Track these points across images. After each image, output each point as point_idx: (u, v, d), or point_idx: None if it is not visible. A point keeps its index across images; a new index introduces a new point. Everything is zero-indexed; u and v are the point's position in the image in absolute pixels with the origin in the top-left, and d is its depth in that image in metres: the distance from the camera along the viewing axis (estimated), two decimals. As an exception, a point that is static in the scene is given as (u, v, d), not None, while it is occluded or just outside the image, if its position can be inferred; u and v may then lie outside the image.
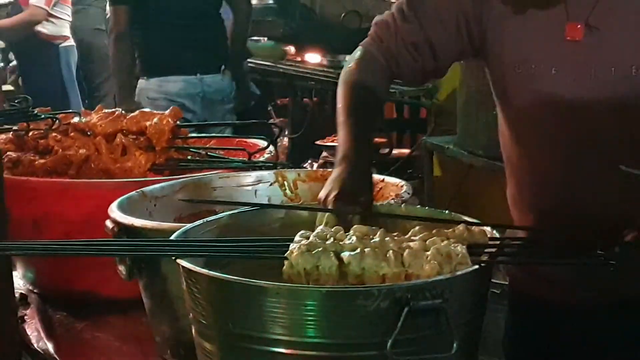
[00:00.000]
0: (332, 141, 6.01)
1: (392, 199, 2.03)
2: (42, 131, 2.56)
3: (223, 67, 5.11)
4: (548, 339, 2.07)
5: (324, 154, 5.83)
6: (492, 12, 1.97)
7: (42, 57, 7.83)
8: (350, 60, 2.10)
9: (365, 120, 1.94)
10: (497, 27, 1.97)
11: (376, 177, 2.21)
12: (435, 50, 2.03)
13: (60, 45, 7.94)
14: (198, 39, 4.99)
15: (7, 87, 7.58)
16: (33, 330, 2.26)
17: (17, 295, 2.29)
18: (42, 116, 2.58)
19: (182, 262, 1.50)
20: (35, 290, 2.47)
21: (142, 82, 5.06)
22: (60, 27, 7.90)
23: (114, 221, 1.93)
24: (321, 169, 2.41)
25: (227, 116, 5.14)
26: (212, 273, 1.46)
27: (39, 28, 7.79)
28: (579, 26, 1.88)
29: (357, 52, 2.10)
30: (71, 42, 7.88)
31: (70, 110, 2.68)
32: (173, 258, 1.52)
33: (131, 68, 5.10)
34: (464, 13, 2.00)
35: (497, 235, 1.61)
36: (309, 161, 5.88)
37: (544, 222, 1.98)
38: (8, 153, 2.48)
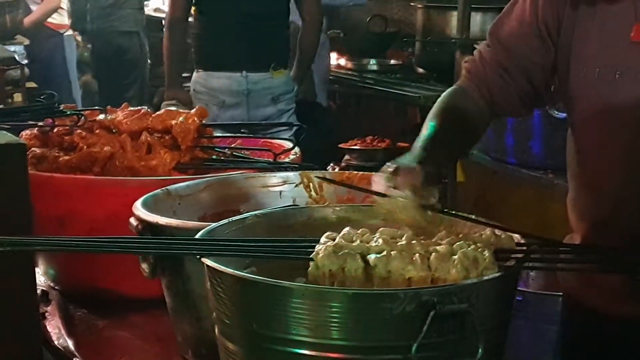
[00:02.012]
0: (355, 145, 6.01)
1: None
2: (67, 127, 2.56)
3: (274, 64, 5.02)
4: (601, 352, 2.04)
5: (347, 157, 5.82)
6: (565, 19, 1.96)
7: (49, 46, 7.90)
8: (442, 95, 2.08)
9: (449, 125, 1.93)
10: (568, 33, 1.95)
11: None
12: (526, 70, 2.02)
13: (65, 34, 8.02)
14: (248, 37, 4.94)
15: (30, 84, 7.62)
16: (54, 327, 2.26)
17: (38, 291, 2.28)
18: (68, 112, 2.58)
19: (207, 261, 1.49)
20: (56, 287, 2.47)
21: (194, 75, 5.12)
22: (64, 16, 7.99)
23: (139, 219, 1.93)
24: (347, 172, 2.39)
25: (281, 116, 5.10)
26: (237, 272, 1.46)
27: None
28: None
29: (449, 90, 2.10)
30: (71, 31, 7.97)
31: (96, 107, 2.67)
32: (198, 257, 1.51)
33: (181, 56, 5.16)
34: (545, 23, 1.99)
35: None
36: (332, 164, 5.87)
37: (595, 230, 1.96)
38: (33, 149, 2.48)
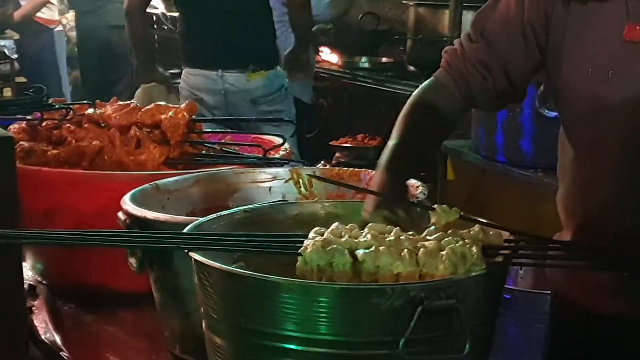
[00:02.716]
0: (346, 142, 6.01)
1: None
2: (55, 121, 2.55)
3: (251, 66, 5.00)
4: (590, 350, 2.03)
5: (338, 154, 5.82)
6: (554, 17, 1.94)
7: (40, 41, 7.90)
8: (418, 88, 2.07)
9: (416, 141, 1.93)
10: (559, 32, 1.94)
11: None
12: (507, 67, 2.01)
13: (55, 30, 8.02)
14: (226, 36, 4.94)
15: (20, 79, 7.63)
16: (41, 321, 2.25)
17: (25, 286, 2.27)
18: (57, 106, 2.57)
19: (195, 256, 1.49)
20: (44, 282, 2.46)
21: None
22: (54, 11, 7.99)
23: (127, 213, 1.92)
24: (336, 168, 2.39)
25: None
26: (225, 267, 1.45)
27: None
28: (638, 27, 1.84)
29: (426, 82, 2.08)
30: (61, 27, 7.97)
31: (85, 102, 2.67)
32: (186, 251, 1.51)
33: (145, 43, 5.29)
34: (531, 22, 1.97)
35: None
36: (322, 162, 5.87)
37: (585, 228, 1.96)
38: (21, 143, 2.47)
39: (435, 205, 1.63)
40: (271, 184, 2.26)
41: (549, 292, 2.25)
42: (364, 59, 6.68)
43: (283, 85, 5.16)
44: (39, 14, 7.93)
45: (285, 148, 2.56)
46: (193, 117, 2.54)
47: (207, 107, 4.99)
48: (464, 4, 5.44)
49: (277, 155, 2.51)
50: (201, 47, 5.03)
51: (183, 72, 5.15)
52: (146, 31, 5.32)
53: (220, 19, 4.93)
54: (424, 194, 2.04)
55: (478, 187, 4.59)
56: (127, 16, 5.18)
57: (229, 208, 1.98)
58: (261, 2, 5.06)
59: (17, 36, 7.52)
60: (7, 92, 6.70)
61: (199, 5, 4.99)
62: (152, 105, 2.58)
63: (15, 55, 7.53)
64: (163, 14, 9.47)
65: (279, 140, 2.60)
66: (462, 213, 1.61)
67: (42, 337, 2.17)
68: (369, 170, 2.28)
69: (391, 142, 1.89)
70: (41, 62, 7.85)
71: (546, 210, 3.65)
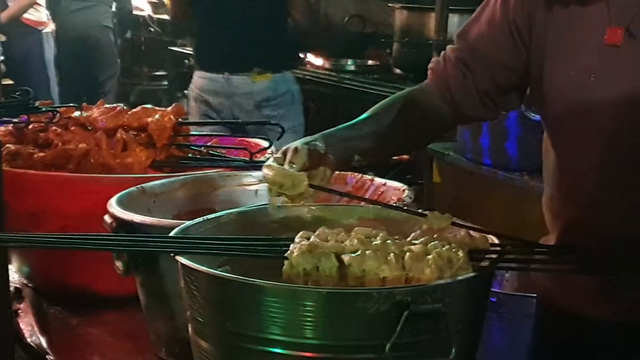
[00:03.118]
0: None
1: (394, 202, 2.01)
2: (42, 124, 2.55)
3: (257, 68, 5.01)
4: (575, 353, 2.04)
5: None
6: (537, 20, 1.96)
7: (27, 43, 7.88)
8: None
9: (373, 122, 1.94)
10: (541, 35, 1.95)
11: (378, 180, 2.21)
12: (492, 71, 2.02)
13: (43, 31, 8.01)
14: (233, 38, 4.96)
15: (6, 81, 7.60)
16: (27, 324, 2.25)
17: (11, 288, 2.27)
18: (43, 109, 2.56)
19: (181, 259, 1.49)
20: (30, 285, 2.46)
21: None
22: (42, 13, 7.97)
23: (113, 216, 1.92)
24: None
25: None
26: (211, 271, 1.45)
27: (24, 14, 7.87)
28: (619, 31, 1.85)
29: (408, 89, 2.12)
30: (49, 28, 7.96)
31: (72, 104, 2.66)
32: (172, 255, 1.51)
33: None
34: (516, 24, 1.98)
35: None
36: (308, 164, 5.86)
37: (569, 231, 1.97)
38: (7, 145, 2.46)
39: (427, 212, 1.64)
40: (257, 187, 2.25)
41: (535, 295, 2.25)
42: (350, 61, 6.68)
43: (290, 90, 5.14)
44: (26, 15, 7.89)
45: (272, 151, 2.56)
46: (180, 119, 2.54)
47: (214, 110, 5.02)
48: (450, 7, 5.45)
49: (263, 158, 2.50)
50: (210, 51, 5.08)
51: (194, 74, 5.18)
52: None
53: (230, 23, 4.96)
54: (410, 198, 2.04)
55: (464, 189, 4.60)
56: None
57: (215, 211, 1.98)
58: (273, 6, 5.07)
59: (3, 38, 7.49)
60: (-6, 95, 6.68)
61: (211, 11, 5.03)
62: (138, 108, 2.58)
63: (1, 57, 7.49)
64: (149, 16, 9.48)
65: (265, 144, 2.60)
66: (454, 219, 1.62)
67: (28, 340, 2.17)
68: (356, 174, 2.28)
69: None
70: (29, 64, 7.83)
71: (532, 213, 3.66)
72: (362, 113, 1.99)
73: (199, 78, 5.08)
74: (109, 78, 8.00)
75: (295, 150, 1.73)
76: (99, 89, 7.78)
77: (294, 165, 1.71)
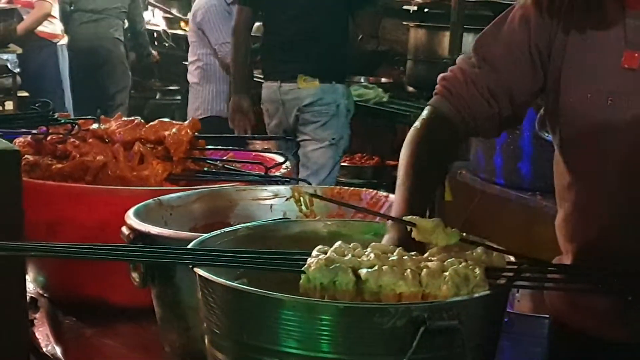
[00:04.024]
0: (344, 162, 6.03)
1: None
2: (60, 136, 2.57)
3: (304, 76, 5.23)
4: None
5: (336, 174, 5.85)
6: (556, 43, 1.95)
7: (43, 56, 7.92)
8: (417, 121, 1.99)
9: (425, 183, 1.88)
10: (559, 58, 1.95)
11: (392, 197, 2.20)
12: (512, 92, 1.99)
13: (58, 44, 8.05)
14: (287, 48, 5.22)
15: (22, 93, 7.63)
16: (42, 334, 2.25)
17: (27, 298, 2.28)
18: (62, 121, 2.58)
19: (200, 271, 1.50)
20: (45, 295, 2.46)
21: None
22: (57, 25, 8.02)
23: (131, 228, 1.93)
24: (337, 187, 2.40)
25: (306, 126, 5.30)
26: (229, 283, 1.47)
27: (39, 27, 7.91)
28: (636, 55, 1.87)
29: (425, 112, 2.02)
30: (63, 41, 8.01)
31: (90, 117, 2.68)
32: (190, 267, 1.52)
33: (244, 63, 5.49)
34: (537, 45, 1.97)
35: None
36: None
37: (585, 252, 1.97)
38: (26, 156, 2.48)
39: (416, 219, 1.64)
40: (272, 202, 2.27)
41: (547, 315, 2.25)
42: (362, 79, 6.71)
43: (337, 102, 5.31)
44: (41, 28, 7.94)
45: (287, 166, 2.58)
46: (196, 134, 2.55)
47: (270, 117, 5.36)
48: (465, 26, 5.47)
49: (278, 173, 2.52)
50: (269, 61, 5.39)
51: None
52: (247, 51, 5.48)
53: (285, 34, 5.23)
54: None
55: (476, 208, 4.60)
56: (234, 33, 5.43)
57: (230, 224, 1.99)
58: (333, 19, 5.29)
59: (20, 50, 7.53)
60: (9, 105, 6.71)
61: (273, 23, 5.32)
62: (156, 121, 2.60)
63: (18, 70, 7.53)
64: (164, 31, 9.53)
65: (280, 159, 2.62)
66: (463, 235, 1.63)
67: (44, 349, 2.17)
68: (370, 190, 2.30)
69: (400, 185, 1.84)
70: (45, 76, 7.87)
71: (544, 233, 3.66)
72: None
73: (263, 88, 5.40)
74: (120, 90, 8.05)
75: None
76: (110, 101, 7.82)
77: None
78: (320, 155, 5.19)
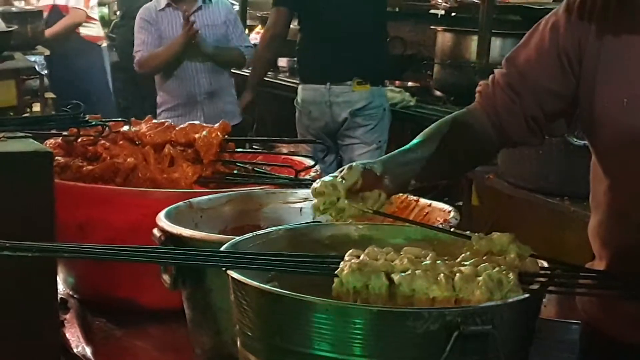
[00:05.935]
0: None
1: (440, 224, 2.01)
2: (91, 138, 2.58)
3: (357, 79, 5.25)
4: None
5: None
6: (588, 48, 1.95)
7: (87, 59, 7.96)
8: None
9: (430, 146, 1.96)
10: (592, 63, 1.95)
11: (423, 201, 2.21)
12: (540, 97, 2.02)
13: (102, 46, 8.11)
14: (336, 51, 5.24)
15: (49, 95, 7.65)
16: (72, 335, 2.27)
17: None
18: (93, 123, 2.60)
19: (233, 274, 1.50)
20: (75, 296, 2.48)
21: None
22: (99, 28, 8.06)
23: (162, 230, 1.94)
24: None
25: (356, 129, 5.30)
26: (262, 286, 1.46)
27: (82, 30, 7.94)
28: None
29: (456, 112, 2.14)
30: (104, 43, 8.07)
31: (120, 119, 2.69)
32: (224, 269, 1.52)
33: (271, 62, 5.89)
34: (566, 51, 1.99)
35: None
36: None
37: (621, 258, 1.96)
38: (57, 158, 2.49)
39: (471, 234, 1.65)
40: (302, 205, 2.26)
41: (576, 321, 2.24)
42: (389, 83, 6.70)
43: (383, 105, 5.35)
44: (85, 32, 7.99)
45: (316, 170, 2.57)
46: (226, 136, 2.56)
47: (313, 119, 5.34)
48: (493, 31, 5.46)
49: (308, 177, 2.52)
50: (314, 64, 5.36)
51: (298, 87, 5.47)
52: (276, 53, 5.81)
53: (336, 37, 5.23)
54: (456, 219, 2.04)
55: (503, 213, 4.59)
56: (270, 40, 5.55)
57: (260, 228, 1.99)
58: (375, 22, 5.35)
59: (47, 52, 7.53)
60: (36, 107, 6.72)
61: (319, 27, 5.33)
62: (186, 124, 2.60)
63: (46, 71, 7.53)
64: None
65: (309, 162, 2.62)
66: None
67: (74, 350, 2.19)
68: (399, 194, 2.29)
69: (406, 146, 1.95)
70: (92, 79, 7.91)
71: (572, 238, 3.65)
72: (401, 135, 2.01)
73: (302, 91, 5.37)
74: (149, 94, 8.06)
75: (350, 167, 1.75)
76: (142, 102, 7.85)
77: (344, 181, 1.73)
78: (367, 159, 5.14)
